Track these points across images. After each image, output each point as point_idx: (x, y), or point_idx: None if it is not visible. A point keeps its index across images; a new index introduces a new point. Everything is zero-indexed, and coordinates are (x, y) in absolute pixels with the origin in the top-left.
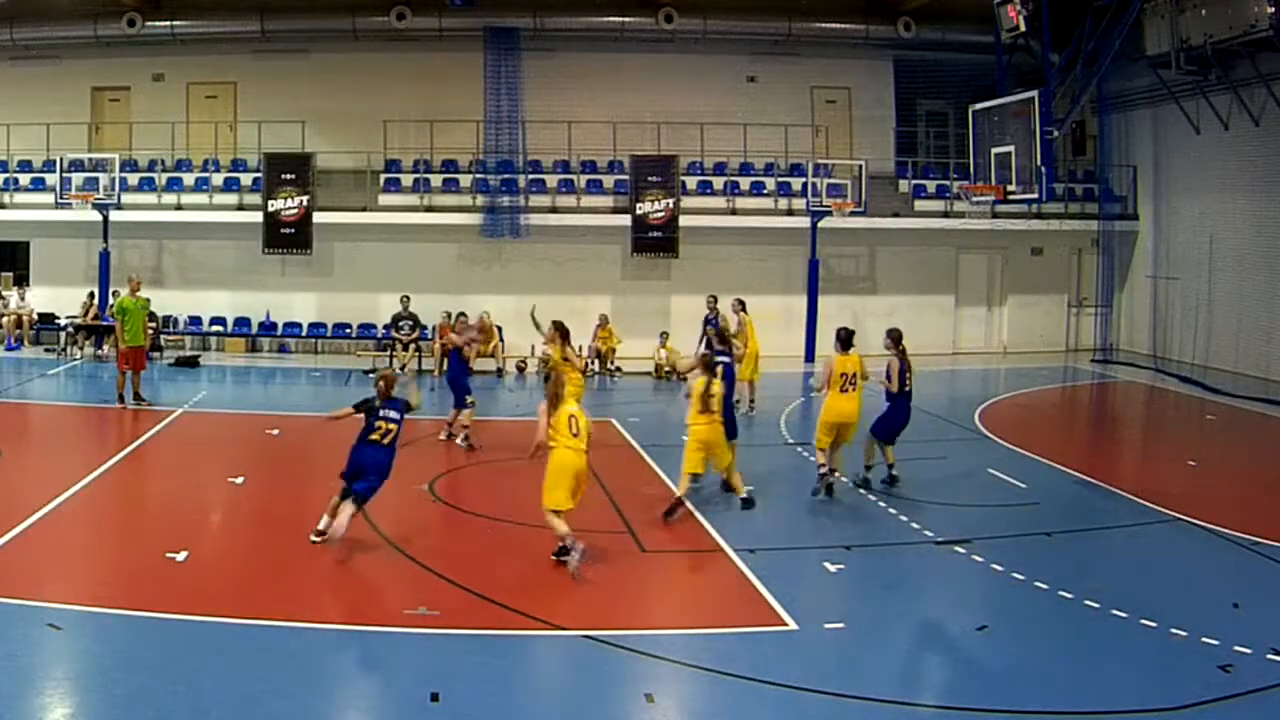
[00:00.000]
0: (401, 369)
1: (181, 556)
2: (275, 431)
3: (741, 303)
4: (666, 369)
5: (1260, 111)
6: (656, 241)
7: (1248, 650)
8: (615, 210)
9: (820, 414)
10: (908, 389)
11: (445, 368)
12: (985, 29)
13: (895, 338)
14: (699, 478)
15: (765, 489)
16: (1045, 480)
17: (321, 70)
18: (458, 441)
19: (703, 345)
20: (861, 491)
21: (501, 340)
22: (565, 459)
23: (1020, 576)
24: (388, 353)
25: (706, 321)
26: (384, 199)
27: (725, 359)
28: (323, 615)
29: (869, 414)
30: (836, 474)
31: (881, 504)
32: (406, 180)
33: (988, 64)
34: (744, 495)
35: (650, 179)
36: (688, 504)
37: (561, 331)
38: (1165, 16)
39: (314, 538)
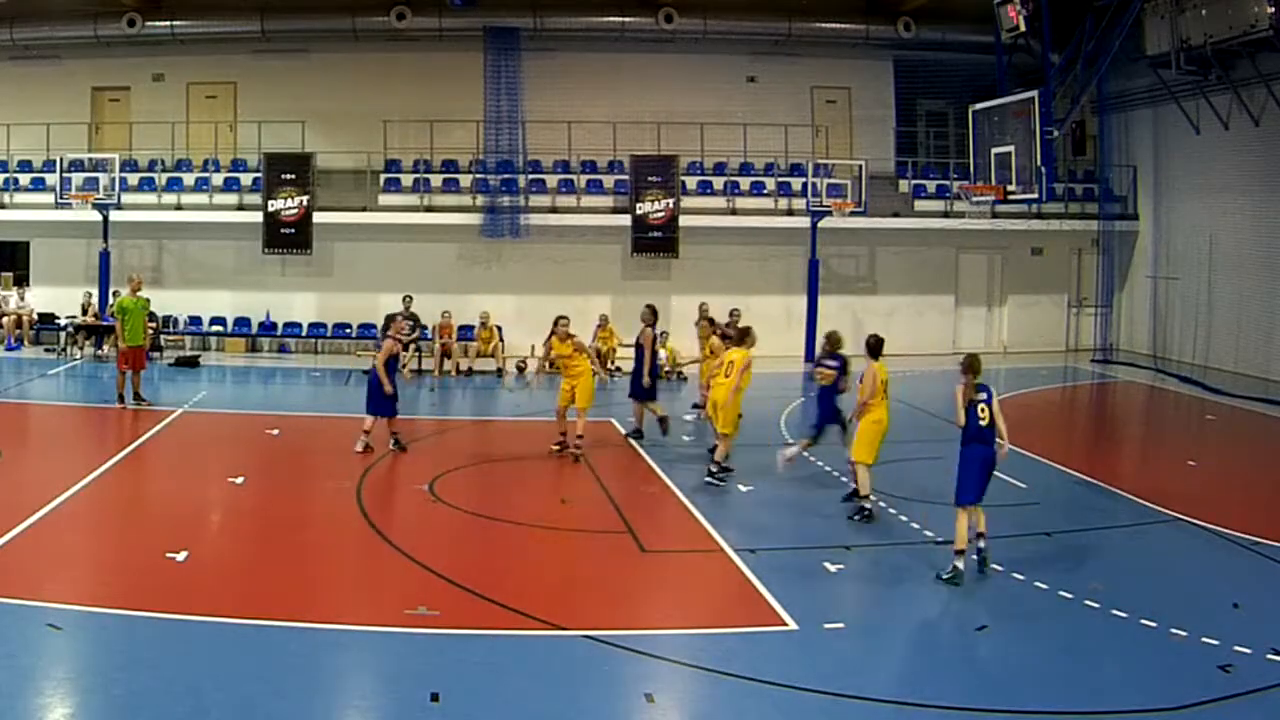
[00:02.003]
0: (401, 369)
1: (181, 556)
2: (275, 431)
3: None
4: (667, 369)
5: (1260, 111)
6: (656, 241)
7: (1248, 650)
8: (615, 210)
9: (866, 429)
10: (985, 423)
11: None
12: (985, 29)
13: (964, 365)
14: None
15: (766, 489)
16: (1045, 480)
17: (321, 70)
18: (358, 448)
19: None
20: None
21: (501, 340)
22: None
23: (1020, 576)
24: None
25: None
26: (384, 199)
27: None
28: (323, 615)
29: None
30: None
31: (882, 504)
32: (406, 180)
33: (988, 64)
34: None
35: (650, 179)
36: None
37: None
38: (1165, 16)
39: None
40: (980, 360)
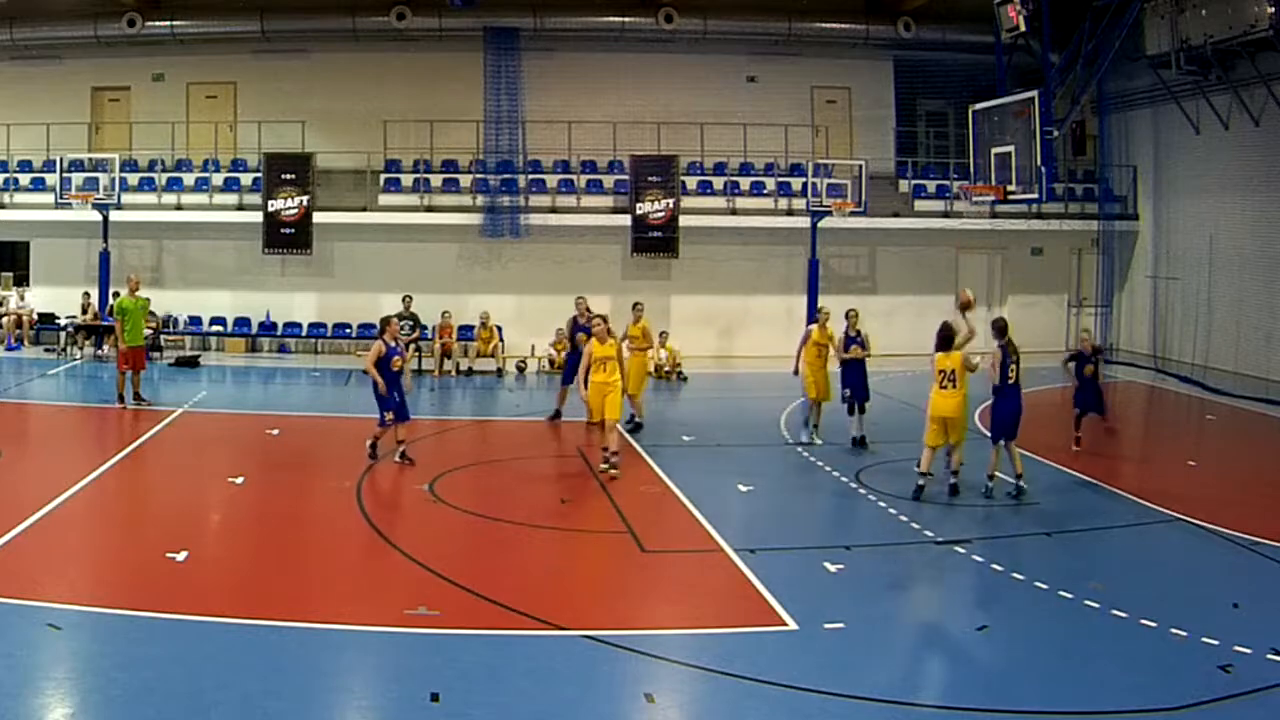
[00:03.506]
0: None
1: (181, 556)
2: (275, 431)
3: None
4: (667, 369)
5: (1260, 111)
6: (656, 241)
7: (1248, 650)
8: (615, 210)
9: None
10: (1012, 381)
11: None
12: (985, 29)
13: (1000, 328)
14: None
15: (766, 489)
16: (1045, 480)
17: (321, 70)
18: (395, 458)
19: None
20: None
21: (501, 340)
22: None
23: (1020, 576)
24: None
25: (576, 328)
26: (384, 199)
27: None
28: (323, 615)
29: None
30: (931, 478)
31: (881, 504)
32: (406, 180)
33: (988, 64)
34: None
35: (650, 179)
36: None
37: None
38: (1165, 16)
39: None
40: (1007, 321)
